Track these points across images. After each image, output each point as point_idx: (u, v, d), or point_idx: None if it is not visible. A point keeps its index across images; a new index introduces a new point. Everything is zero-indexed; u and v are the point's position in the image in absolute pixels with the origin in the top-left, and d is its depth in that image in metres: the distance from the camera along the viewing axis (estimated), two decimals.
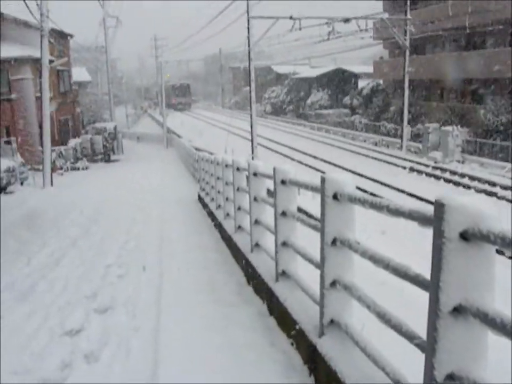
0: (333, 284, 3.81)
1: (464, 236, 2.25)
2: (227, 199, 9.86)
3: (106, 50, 49.66)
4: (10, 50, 31.13)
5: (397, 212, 2.77)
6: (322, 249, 3.82)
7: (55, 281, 8.02)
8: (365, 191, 19.12)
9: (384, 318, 3.03)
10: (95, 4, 43.99)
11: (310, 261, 4.43)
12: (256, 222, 6.70)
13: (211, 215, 12.41)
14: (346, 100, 54.44)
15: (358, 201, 3.32)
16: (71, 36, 42.35)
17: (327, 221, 3.71)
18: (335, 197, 3.64)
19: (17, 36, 33.31)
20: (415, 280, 2.64)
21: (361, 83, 57.41)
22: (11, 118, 31.26)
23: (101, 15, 46.94)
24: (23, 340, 5.71)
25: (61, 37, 37.22)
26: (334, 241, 3.71)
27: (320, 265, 3.91)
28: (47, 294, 7.42)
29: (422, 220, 2.54)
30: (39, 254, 10.19)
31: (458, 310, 2.31)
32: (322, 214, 3.75)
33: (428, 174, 25.29)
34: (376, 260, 3.09)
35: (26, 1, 20.34)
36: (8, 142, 24.25)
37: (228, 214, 9.92)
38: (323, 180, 3.69)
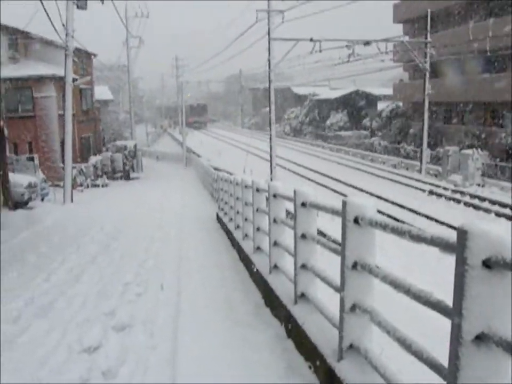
0: (353, 308, 3.80)
1: (487, 264, 2.25)
2: (246, 219, 9.89)
3: (128, 69, 50.36)
4: (35, 68, 31.79)
5: (418, 238, 2.78)
6: (342, 272, 3.82)
7: (74, 298, 8.08)
8: (383, 214, 19.04)
9: (404, 343, 3.02)
10: (119, 24, 44.73)
11: (330, 284, 4.43)
12: (275, 243, 6.71)
13: (229, 234, 12.44)
14: (366, 121, 54.48)
15: (379, 225, 3.33)
16: (95, 55, 43.08)
17: (347, 245, 3.72)
18: (356, 221, 3.65)
19: (42, 55, 34.03)
20: (437, 306, 2.63)
21: (381, 105, 57.46)
22: (34, 135, 31.78)
23: (124, 35, 47.70)
24: (42, 356, 5.75)
25: (84, 56, 37.89)
26: (354, 265, 3.71)
27: (340, 289, 3.91)
28: (66, 310, 7.47)
29: (444, 246, 2.54)
30: (59, 270, 10.28)
31: (481, 338, 2.30)
32: (343, 237, 3.76)
33: (447, 198, 25.09)
34: (397, 285, 3.09)
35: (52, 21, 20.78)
36: (31, 158, 24.61)
37: (246, 235, 9.95)
38: (344, 204, 3.71)
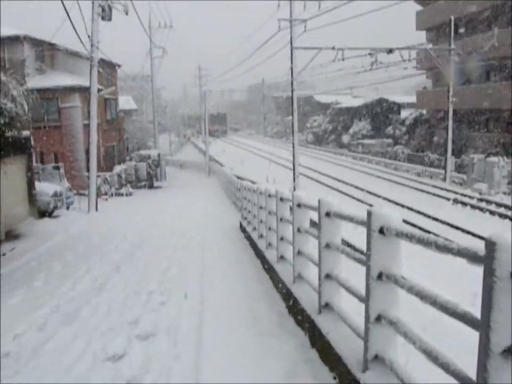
0: (378, 318, 3.77)
1: None
2: (269, 228, 9.89)
3: (152, 79, 50.89)
4: (61, 79, 32.31)
5: (445, 249, 2.75)
6: (367, 283, 3.80)
7: (98, 306, 8.15)
8: (408, 223, 18.87)
9: (431, 355, 2.99)
10: (143, 34, 45.25)
11: (354, 294, 4.40)
12: (299, 252, 6.70)
13: (253, 244, 12.45)
14: (389, 130, 54.19)
15: (405, 236, 3.30)
16: (119, 66, 43.61)
17: (372, 255, 3.70)
18: (381, 231, 3.63)
19: (68, 66, 34.58)
20: (464, 318, 2.60)
21: (404, 113, 57.09)
22: (59, 144, 32.25)
23: (148, 46, 48.25)
24: (67, 363, 5.81)
25: (109, 66, 38.36)
26: (379, 276, 3.69)
27: (365, 299, 3.88)
28: (91, 318, 7.54)
29: (472, 257, 2.52)
30: (84, 278, 10.39)
31: (509, 351, 2.27)
32: (368, 248, 3.74)
33: (472, 206, 24.77)
34: (423, 296, 3.06)
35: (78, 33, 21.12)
36: (56, 168, 24.95)
37: (270, 244, 9.95)
38: (369, 214, 3.69)
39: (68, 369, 5.64)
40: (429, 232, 16.42)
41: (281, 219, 8.32)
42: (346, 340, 4.66)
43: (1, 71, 14.23)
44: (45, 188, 21.22)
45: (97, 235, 16.33)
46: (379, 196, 28.09)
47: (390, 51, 28.78)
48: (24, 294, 9.60)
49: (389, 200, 26.30)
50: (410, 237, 3.22)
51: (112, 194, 32.03)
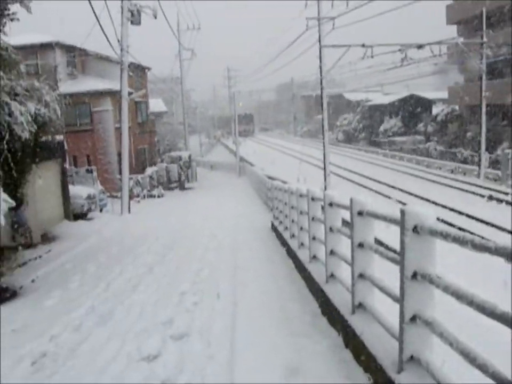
0: (413, 318, 3.72)
1: None
2: (301, 228, 9.86)
3: (181, 81, 51.24)
4: (92, 84, 32.80)
5: (482, 247, 2.69)
6: (402, 283, 3.75)
7: (132, 307, 8.24)
8: (442, 221, 18.59)
9: (468, 356, 2.93)
10: (172, 37, 45.59)
11: (389, 294, 4.35)
12: (332, 252, 6.66)
13: (284, 244, 12.43)
14: (420, 126, 53.50)
15: (440, 234, 3.25)
16: (149, 69, 44.04)
17: (407, 254, 3.65)
18: (415, 230, 3.57)
19: (99, 70, 35.08)
20: (503, 318, 2.54)
21: (436, 109, 56.32)
22: (92, 148, 32.73)
23: (177, 48, 48.60)
24: (103, 364, 5.89)
25: (139, 69, 38.79)
26: (414, 275, 3.63)
27: (400, 299, 3.83)
28: (125, 319, 7.63)
29: (509, 256, 2.46)
30: (117, 280, 10.52)
31: None
32: (402, 247, 3.69)
33: (508, 203, 24.27)
34: (459, 295, 3.00)
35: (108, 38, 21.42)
36: (89, 171, 25.34)
37: (302, 244, 9.91)
38: (403, 213, 3.64)
39: (103, 370, 5.71)
40: (463, 230, 16.16)
41: (313, 218, 8.28)
42: (381, 340, 4.60)
43: (34, 77, 14.48)
44: (79, 191, 21.57)
45: (130, 237, 16.52)
46: (411, 194, 27.74)
47: (420, 46, 28.38)
48: (59, 295, 9.77)
49: (422, 198, 25.95)
50: (445, 236, 3.16)
51: (144, 196, 32.36)
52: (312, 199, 8.24)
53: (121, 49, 23.04)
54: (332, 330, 6.19)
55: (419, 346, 3.75)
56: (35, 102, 12.06)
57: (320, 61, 28.28)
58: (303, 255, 9.23)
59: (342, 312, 5.71)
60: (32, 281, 11.58)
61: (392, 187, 30.54)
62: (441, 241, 3.40)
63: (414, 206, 3.72)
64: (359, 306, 5.31)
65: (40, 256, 13.92)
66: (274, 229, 15.63)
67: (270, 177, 27.98)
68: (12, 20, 11.11)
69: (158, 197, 33.38)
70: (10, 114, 11.06)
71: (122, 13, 22.95)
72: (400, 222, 3.69)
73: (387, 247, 9.94)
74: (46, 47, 31.19)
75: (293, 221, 11.40)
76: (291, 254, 10.89)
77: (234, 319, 7.08)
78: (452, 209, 22.80)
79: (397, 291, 3.96)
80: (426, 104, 60.64)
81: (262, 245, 14.01)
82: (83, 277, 11.23)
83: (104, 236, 17.36)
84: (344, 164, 43.76)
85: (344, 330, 5.62)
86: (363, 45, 27.35)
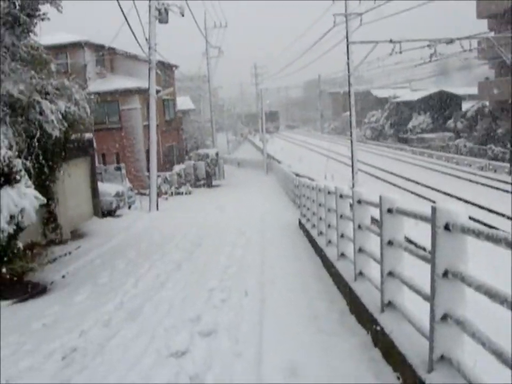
0: (444, 317, 3.66)
1: None
2: (329, 226, 9.81)
3: (208, 79, 51.41)
4: (120, 82, 33.13)
5: None
6: (432, 281, 3.69)
7: (160, 303, 8.30)
8: (472, 219, 18.28)
9: (501, 357, 2.87)
10: (199, 35, 45.75)
11: (419, 292, 4.29)
12: (360, 250, 6.60)
13: (312, 241, 12.38)
14: (450, 123, 52.77)
15: (472, 232, 3.19)
16: (176, 67, 44.30)
17: (438, 252, 3.59)
18: (446, 227, 3.52)
19: (127, 69, 35.43)
20: None
21: (465, 105, 55.45)
22: (120, 145, 33.07)
23: (204, 46, 48.78)
24: (131, 359, 5.94)
25: (166, 68, 39.04)
26: (445, 274, 3.57)
27: (430, 298, 3.78)
28: (154, 315, 7.69)
29: None
30: (146, 276, 10.62)
31: None
32: (433, 245, 3.64)
33: None
34: (492, 294, 2.94)
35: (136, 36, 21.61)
36: (118, 168, 25.60)
37: (329, 241, 9.86)
38: (434, 210, 3.59)
39: (132, 365, 5.76)
40: (495, 228, 15.90)
41: (341, 216, 8.23)
42: (411, 339, 4.55)
43: (65, 76, 14.69)
44: (108, 188, 21.82)
45: (158, 233, 16.64)
46: (441, 191, 27.40)
47: (450, 41, 27.93)
48: (89, 291, 9.91)
49: (452, 196, 25.61)
50: (477, 234, 3.10)
51: (172, 194, 32.58)
52: (341, 196, 8.19)
53: (149, 48, 23.21)
54: (360, 329, 6.15)
55: (450, 345, 3.70)
56: (65, 101, 12.21)
57: (348, 58, 28.05)
58: (331, 253, 9.18)
59: (370, 311, 5.66)
60: (63, 277, 11.76)
61: (422, 184, 30.21)
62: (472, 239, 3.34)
63: (446, 204, 3.66)
64: (388, 305, 5.26)
65: (70, 253, 14.12)
66: (301, 226, 15.58)
67: (297, 175, 27.91)
68: (42, 19, 11.25)
69: (186, 194, 33.57)
70: (41, 112, 11.23)
71: (150, 11, 23.11)
72: (431, 220, 3.64)
73: (416, 245, 9.83)
74: (76, 46, 31.63)
75: (320, 218, 11.35)
76: (318, 251, 10.84)
77: (262, 316, 7.08)
78: (482, 207, 22.45)
79: (427, 289, 3.90)
80: (456, 100, 59.74)
81: (290, 242, 13.98)
82: (112, 273, 11.36)
83: (132, 232, 17.53)
84: (372, 161, 43.43)
85: (373, 328, 5.57)
86: (391, 41, 27.04)
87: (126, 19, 20.29)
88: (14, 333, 7.54)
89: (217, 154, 40.91)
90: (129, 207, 23.81)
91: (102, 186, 21.35)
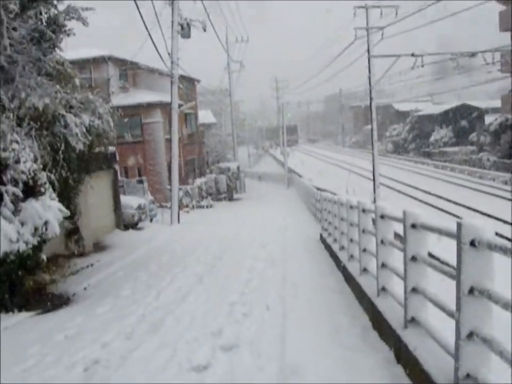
0: (470, 335, 3.61)
1: None
2: (351, 240, 9.75)
3: (230, 93, 51.71)
4: (143, 96, 33.49)
5: None
6: (458, 298, 3.65)
7: (182, 316, 8.29)
8: (498, 235, 18.01)
9: None
10: (221, 49, 46.12)
11: (443, 309, 4.24)
12: (383, 265, 6.55)
13: (333, 256, 12.32)
14: (473, 136, 52.30)
15: (499, 249, 3.15)
16: (198, 81, 44.68)
17: (463, 269, 3.55)
18: (472, 243, 3.48)
19: (150, 83, 35.82)
20: None
21: (489, 118, 54.92)
22: (143, 159, 33.37)
23: (225, 60, 49.12)
24: (154, 372, 5.94)
25: (188, 82, 39.39)
26: (471, 290, 3.53)
27: (456, 315, 3.73)
28: (175, 328, 7.68)
29: None
30: (168, 289, 10.63)
31: None
32: (458, 261, 3.60)
33: None
34: None
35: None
36: (140, 181, 25.82)
37: (351, 256, 9.80)
38: (459, 226, 3.55)
39: (153, 378, 5.76)
40: None
41: (363, 230, 8.18)
42: (435, 356, 4.49)
43: (89, 90, 14.90)
44: (130, 201, 21.99)
45: (180, 246, 16.70)
46: (465, 206, 27.08)
47: (473, 55, 27.79)
48: (111, 303, 9.95)
49: (477, 211, 25.30)
50: (504, 250, 3.06)
51: (193, 207, 32.71)
52: (363, 210, 8.15)
53: (172, 62, 23.47)
54: (383, 345, 6.08)
55: (476, 364, 3.64)
56: (89, 114, 12.41)
57: (369, 71, 28.04)
58: (353, 268, 9.12)
59: (394, 327, 5.60)
60: (85, 288, 11.84)
61: (444, 199, 29.91)
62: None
63: (471, 219, 3.62)
64: (411, 321, 5.20)
65: (92, 265, 14.24)
66: (323, 240, 15.52)
67: (318, 188, 27.84)
68: (68, 35, 11.46)
69: (207, 207, 33.69)
70: (66, 126, 11.42)
71: (172, 26, 23.40)
72: (457, 236, 3.60)
73: (441, 261, 9.72)
74: (99, 61, 32.08)
75: (342, 232, 11.29)
76: (340, 266, 10.78)
77: (283, 331, 7.04)
78: (507, 223, 22.12)
79: (452, 306, 3.86)
80: (479, 113, 59.24)
81: (311, 256, 13.92)
82: (134, 285, 11.40)
83: (154, 245, 17.62)
84: (394, 175, 43.16)
85: (396, 345, 5.50)
86: (412, 54, 26.95)
87: (149, 34, 20.59)
88: (36, 344, 7.60)
89: (238, 167, 41.05)
90: (151, 220, 23.96)
91: (124, 199, 21.53)
